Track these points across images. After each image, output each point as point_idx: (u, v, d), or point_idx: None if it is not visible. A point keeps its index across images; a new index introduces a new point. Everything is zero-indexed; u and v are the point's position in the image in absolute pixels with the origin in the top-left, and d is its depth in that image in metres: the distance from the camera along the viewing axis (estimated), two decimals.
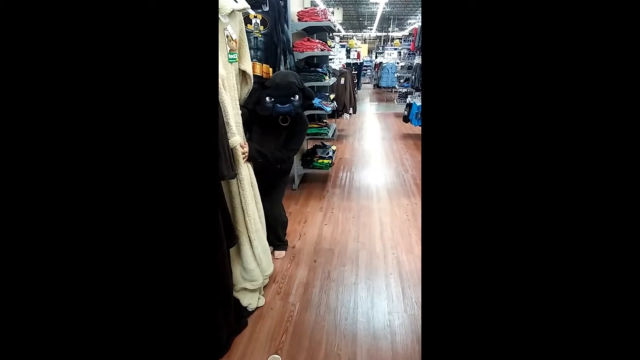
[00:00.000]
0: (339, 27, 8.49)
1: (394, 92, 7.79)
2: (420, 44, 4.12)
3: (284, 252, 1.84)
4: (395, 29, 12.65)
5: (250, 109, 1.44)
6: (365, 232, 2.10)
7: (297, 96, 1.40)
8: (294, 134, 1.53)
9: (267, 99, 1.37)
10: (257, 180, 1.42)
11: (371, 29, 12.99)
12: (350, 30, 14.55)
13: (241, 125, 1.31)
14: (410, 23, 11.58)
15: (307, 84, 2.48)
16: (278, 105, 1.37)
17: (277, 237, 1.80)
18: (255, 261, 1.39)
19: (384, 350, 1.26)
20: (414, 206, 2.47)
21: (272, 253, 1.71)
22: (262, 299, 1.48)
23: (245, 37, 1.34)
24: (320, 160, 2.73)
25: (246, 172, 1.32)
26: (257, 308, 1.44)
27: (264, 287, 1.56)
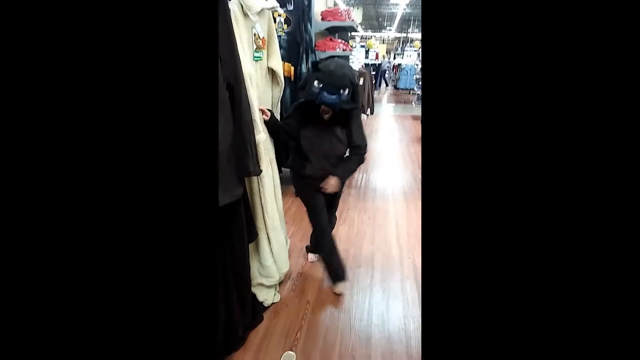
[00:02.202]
0: (358, 27, 8.46)
1: (412, 94, 7.69)
2: None
3: (343, 283, 1.56)
4: (415, 30, 12.48)
5: (297, 107, 1.36)
6: (380, 234, 2.09)
7: (347, 90, 1.22)
8: (349, 131, 1.36)
9: (316, 83, 1.20)
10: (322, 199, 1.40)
11: (390, 30, 12.86)
12: (369, 31, 14.46)
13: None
14: None
15: None
16: (325, 93, 1.19)
17: (335, 271, 1.54)
18: (272, 258, 1.41)
19: (398, 354, 1.25)
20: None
21: (334, 286, 1.54)
22: (277, 295, 1.49)
23: (275, 36, 1.35)
24: None
25: (268, 170, 1.33)
26: (272, 304, 1.46)
27: (280, 283, 1.57)
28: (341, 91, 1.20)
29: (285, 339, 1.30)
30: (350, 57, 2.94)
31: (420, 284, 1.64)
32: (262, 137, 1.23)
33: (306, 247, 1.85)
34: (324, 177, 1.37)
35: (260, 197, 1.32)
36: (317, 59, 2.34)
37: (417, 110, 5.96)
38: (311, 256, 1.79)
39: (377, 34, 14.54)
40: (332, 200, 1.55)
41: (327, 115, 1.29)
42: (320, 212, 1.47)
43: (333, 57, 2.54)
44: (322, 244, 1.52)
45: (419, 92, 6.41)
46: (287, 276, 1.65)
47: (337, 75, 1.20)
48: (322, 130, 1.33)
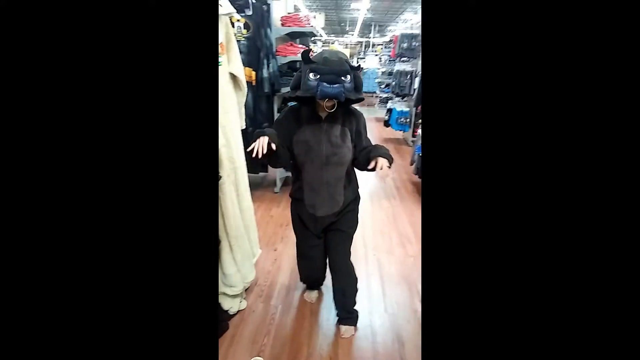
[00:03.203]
0: (321, 31, 8.57)
1: (375, 97, 7.94)
2: (400, 50, 4.25)
3: (353, 328, 1.35)
4: (377, 35, 12.92)
5: (292, 108, 1.16)
6: None
7: (348, 77, 1.01)
8: (357, 127, 1.14)
9: (312, 75, 1.00)
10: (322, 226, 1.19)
11: (352, 34, 13.21)
12: (332, 35, 14.73)
13: (228, 128, 1.29)
14: (390, 30, 11.88)
15: (289, 88, 2.51)
16: (325, 84, 0.98)
17: (343, 305, 1.34)
18: (235, 266, 1.39)
19: (364, 349, 1.29)
20: (395, 208, 2.54)
21: (338, 327, 1.36)
22: (244, 302, 1.47)
23: (234, 41, 1.33)
24: None
25: (231, 177, 1.32)
26: (238, 311, 1.44)
27: (246, 290, 1.56)
28: (342, 78, 1.00)
29: (252, 345, 1.29)
30: None
31: (384, 280, 1.71)
32: (222, 142, 1.21)
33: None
34: (326, 205, 1.15)
35: (220, 203, 1.30)
36: (278, 64, 2.35)
37: (380, 113, 6.17)
38: (308, 296, 1.53)
39: (340, 39, 14.85)
40: (337, 243, 1.25)
41: (330, 109, 1.07)
42: (310, 259, 1.30)
43: (295, 62, 2.57)
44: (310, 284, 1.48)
45: (381, 95, 6.64)
46: (254, 283, 1.63)
47: (334, 62, 1.00)
48: (320, 132, 1.10)
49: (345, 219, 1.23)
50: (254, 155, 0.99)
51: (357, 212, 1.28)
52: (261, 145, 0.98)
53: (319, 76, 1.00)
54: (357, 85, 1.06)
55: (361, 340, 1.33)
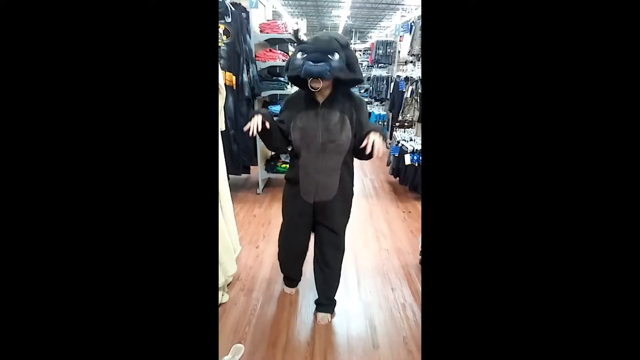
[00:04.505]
0: (303, 37, 8.70)
1: None
2: (377, 56, 4.43)
3: (329, 315, 1.41)
4: (357, 41, 13.24)
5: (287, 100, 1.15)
6: None
7: (336, 55, 0.96)
8: (358, 117, 1.10)
9: (299, 54, 0.99)
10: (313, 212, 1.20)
11: None
12: None
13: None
14: (370, 36, 12.20)
15: (270, 93, 2.60)
16: (310, 62, 0.95)
17: (323, 292, 1.39)
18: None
19: (339, 334, 1.39)
20: (372, 206, 2.67)
21: (315, 315, 1.42)
22: (226, 296, 1.54)
23: None
24: (284, 165, 2.84)
25: None
26: (221, 304, 1.50)
27: (229, 284, 1.62)
28: (329, 56, 0.95)
29: (234, 334, 1.36)
30: None
31: (359, 271, 1.82)
32: None
33: (283, 278, 1.62)
34: (319, 193, 1.15)
35: None
36: (258, 69, 2.45)
37: None
38: (287, 289, 1.60)
39: None
40: (329, 239, 1.28)
41: (324, 91, 1.06)
42: (291, 238, 1.32)
43: (274, 67, 2.67)
44: (287, 272, 1.50)
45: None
46: (236, 277, 1.70)
47: (323, 40, 0.98)
48: (316, 118, 1.07)
49: (336, 215, 1.24)
50: (250, 134, 1.00)
51: (350, 208, 1.28)
52: (256, 123, 0.99)
53: (305, 55, 0.98)
54: (350, 64, 1.00)
55: (337, 326, 1.43)
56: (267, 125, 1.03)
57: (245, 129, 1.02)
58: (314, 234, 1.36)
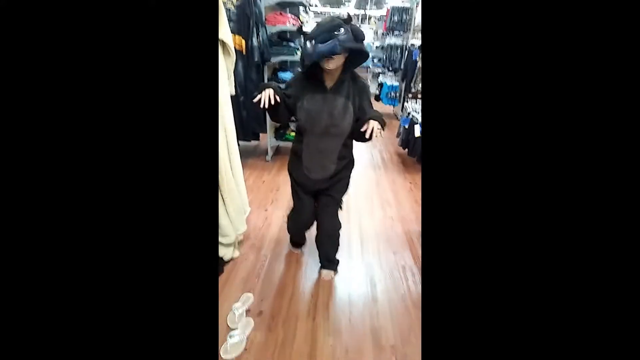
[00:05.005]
0: (316, 1, 8.30)
1: (368, 71, 7.90)
2: (392, 24, 4.25)
3: (332, 272, 1.56)
4: (373, 7, 12.53)
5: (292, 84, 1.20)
6: None
7: (341, 29, 1.03)
8: (360, 103, 1.17)
9: (308, 43, 1.06)
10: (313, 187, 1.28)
11: (348, 6, 12.77)
12: (327, 5, 14.22)
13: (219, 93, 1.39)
14: (387, 2, 11.52)
15: (279, 58, 2.56)
16: (319, 45, 1.03)
17: (325, 255, 1.53)
18: (227, 217, 1.55)
19: (341, 289, 1.49)
20: (379, 177, 2.70)
21: (320, 272, 1.56)
22: (237, 252, 1.65)
23: (222, 7, 1.39)
24: (293, 133, 2.86)
25: (221, 135, 1.44)
26: (232, 259, 1.61)
27: (240, 242, 1.73)
28: (335, 33, 1.03)
29: (243, 285, 1.47)
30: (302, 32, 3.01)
31: (363, 236, 1.89)
32: None
33: (290, 240, 1.74)
34: (321, 172, 1.25)
35: None
36: (268, 33, 2.40)
37: (372, 87, 6.19)
38: (294, 250, 1.73)
39: (336, 10, 14.35)
40: (326, 205, 1.37)
41: (335, 75, 1.13)
42: (300, 212, 1.42)
43: (285, 31, 2.61)
44: (294, 237, 1.64)
45: (375, 69, 6.62)
46: (247, 236, 1.80)
47: (325, 22, 1.06)
48: (322, 102, 1.15)
49: (336, 186, 1.34)
50: (261, 105, 1.05)
51: (349, 179, 1.37)
52: (267, 96, 1.05)
53: (313, 41, 1.05)
54: (356, 35, 1.06)
55: (339, 282, 1.53)
56: (277, 98, 1.07)
57: (255, 100, 1.07)
58: (315, 202, 1.45)
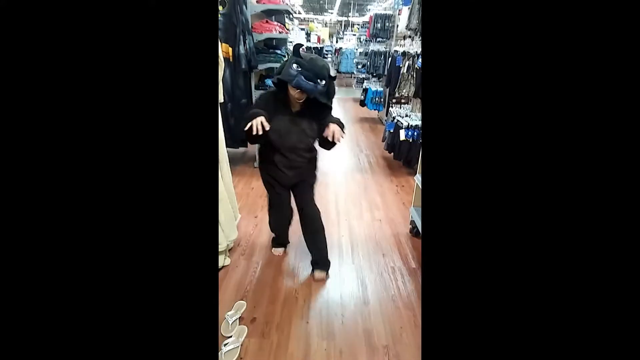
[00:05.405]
0: (299, 9, 8.40)
1: (353, 77, 8.02)
2: (375, 30, 4.36)
3: (325, 273, 1.59)
4: (356, 14, 12.79)
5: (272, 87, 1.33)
6: (322, 203, 2.32)
7: (324, 82, 1.22)
8: (322, 118, 1.32)
9: (295, 66, 1.20)
10: (286, 179, 1.40)
11: (332, 13, 12.98)
12: (311, 13, 14.39)
13: None
14: (369, 9, 11.79)
15: (266, 65, 2.59)
16: (302, 77, 1.18)
17: (317, 251, 1.58)
18: (218, 226, 1.55)
19: (333, 292, 1.51)
20: (366, 181, 2.76)
21: (312, 274, 1.59)
22: (228, 259, 1.64)
23: None
24: None
25: None
26: (223, 266, 1.61)
27: (230, 250, 1.72)
28: (319, 80, 1.21)
29: (236, 293, 1.47)
30: (288, 39, 3.06)
31: (353, 239, 1.93)
32: None
33: (272, 240, 1.80)
34: (293, 172, 1.40)
35: None
36: (254, 41, 2.42)
37: (357, 93, 6.30)
38: (276, 250, 1.76)
39: (319, 17, 14.55)
40: (303, 192, 1.51)
41: (299, 102, 1.27)
42: (279, 207, 1.57)
43: (271, 39, 2.64)
44: (277, 238, 1.72)
45: (359, 75, 6.75)
46: (237, 243, 1.80)
47: (317, 65, 1.20)
48: (290, 123, 1.32)
49: (307, 175, 1.50)
50: (254, 133, 1.16)
51: (316, 165, 1.52)
52: (259, 124, 1.16)
53: (300, 69, 1.20)
54: (329, 92, 1.27)
55: (331, 285, 1.55)
56: (267, 126, 1.18)
57: (246, 129, 1.18)
58: (293, 197, 1.56)
